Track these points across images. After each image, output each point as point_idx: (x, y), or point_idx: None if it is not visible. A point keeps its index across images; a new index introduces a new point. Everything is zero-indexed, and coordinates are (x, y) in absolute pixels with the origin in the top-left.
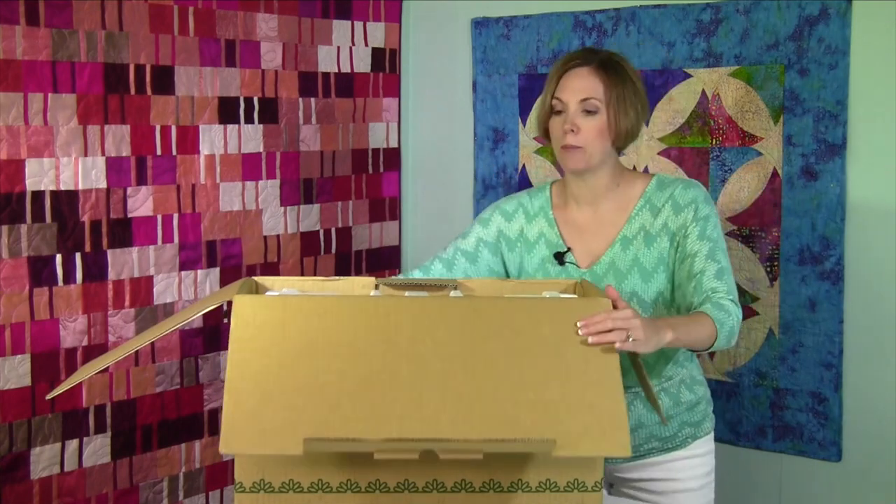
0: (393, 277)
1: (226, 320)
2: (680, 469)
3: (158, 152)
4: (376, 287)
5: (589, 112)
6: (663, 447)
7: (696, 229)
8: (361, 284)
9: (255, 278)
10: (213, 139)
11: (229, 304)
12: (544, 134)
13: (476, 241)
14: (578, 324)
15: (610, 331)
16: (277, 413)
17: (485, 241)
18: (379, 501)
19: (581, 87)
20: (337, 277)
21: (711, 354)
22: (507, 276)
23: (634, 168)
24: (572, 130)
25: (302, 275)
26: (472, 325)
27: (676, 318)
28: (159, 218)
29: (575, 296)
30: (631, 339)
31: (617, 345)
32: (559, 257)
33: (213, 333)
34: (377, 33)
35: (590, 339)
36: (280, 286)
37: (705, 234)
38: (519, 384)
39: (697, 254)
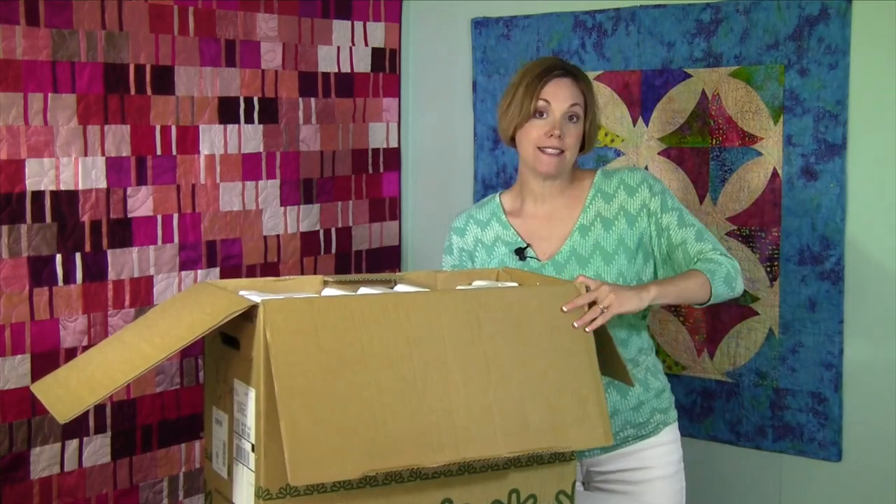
0: (340, 275)
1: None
2: (653, 457)
3: (158, 152)
4: (325, 284)
5: (571, 119)
6: (637, 434)
7: (658, 204)
8: (310, 283)
9: (210, 282)
10: (213, 139)
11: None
12: (511, 137)
13: (450, 268)
14: (564, 308)
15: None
16: (332, 436)
17: (455, 268)
18: (393, 493)
19: (569, 94)
20: (286, 277)
21: (711, 353)
22: None
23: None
24: (559, 136)
25: (301, 274)
26: (478, 319)
27: (663, 279)
28: (159, 218)
29: (506, 283)
30: (606, 307)
31: (598, 319)
32: (520, 253)
33: None
34: (377, 33)
35: (576, 323)
36: (235, 288)
37: (668, 206)
38: (525, 382)
39: (670, 226)
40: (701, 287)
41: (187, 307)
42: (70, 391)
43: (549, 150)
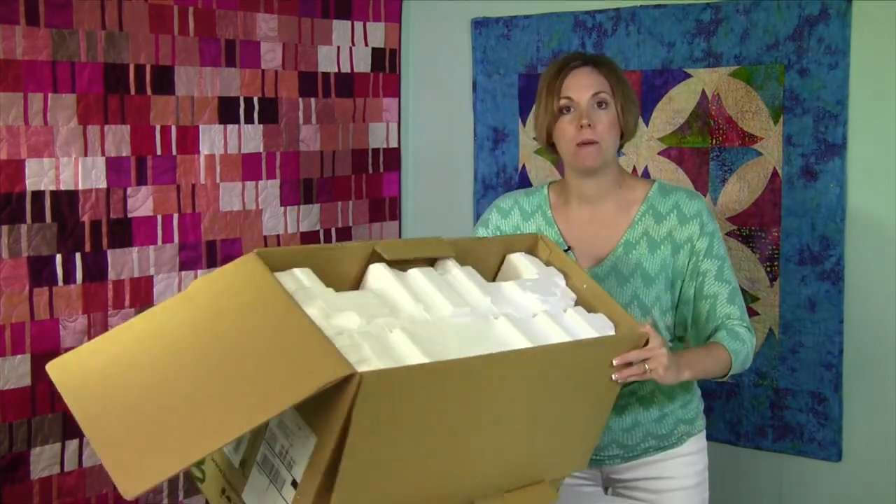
0: (389, 245)
1: None
2: (675, 467)
3: (158, 152)
4: (373, 256)
5: (600, 106)
6: (659, 445)
7: (704, 246)
8: (359, 253)
9: (258, 253)
10: (213, 139)
11: None
12: (547, 141)
13: None
14: (614, 362)
15: (632, 364)
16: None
17: None
18: None
19: (589, 82)
20: (334, 246)
21: None
22: None
23: (634, 170)
24: (589, 125)
25: None
26: (544, 379)
27: (695, 355)
28: (159, 218)
29: (538, 259)
30: (651, 371)
31: (635, 377)
32: None
33: None
34: (377, 33)
35: (614, 376)
36: (284, 262)
37: (713, 252)
38: (545, 432)
39: (707, 273)
40: (722, 370)
41: (268, 339)
42: (139, 458)
43: (585, 144)
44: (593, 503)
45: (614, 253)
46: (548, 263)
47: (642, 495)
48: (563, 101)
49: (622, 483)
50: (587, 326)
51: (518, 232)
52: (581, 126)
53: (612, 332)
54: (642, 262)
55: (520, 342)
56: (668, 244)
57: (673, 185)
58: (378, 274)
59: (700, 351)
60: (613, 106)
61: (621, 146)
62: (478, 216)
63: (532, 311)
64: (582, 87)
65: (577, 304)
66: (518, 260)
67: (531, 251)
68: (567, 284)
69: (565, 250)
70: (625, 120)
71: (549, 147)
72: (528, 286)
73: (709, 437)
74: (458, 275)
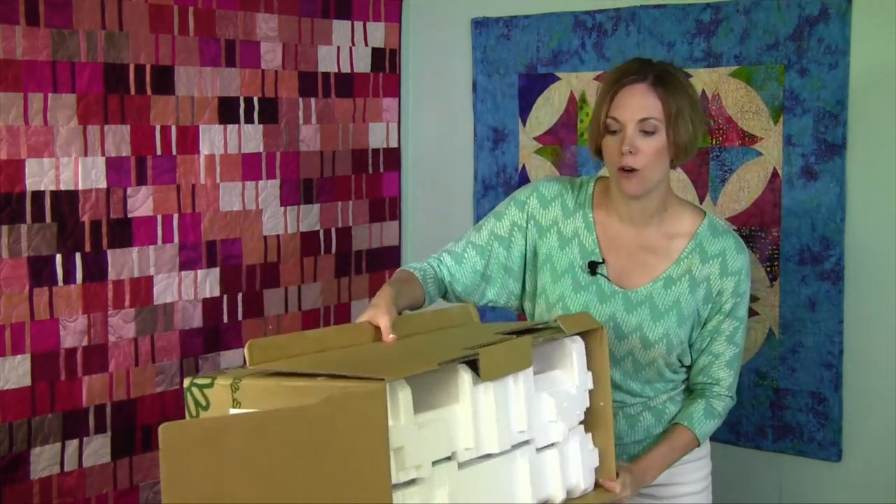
0: (489, 361)
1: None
2: (684, 473)
3: (158, 152)
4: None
5: (647, 133)
6: None
7: (731, 305)
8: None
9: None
10: (213, 139)
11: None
12: (597, 152)
13: (511, 226)
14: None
15: None
16: None
17: (518, 226)
18: None
19: (639, 105)
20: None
21: None
22: (533, 260)
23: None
24: (630, 152)
25: (301, 274)
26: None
27: (657, 458)
28: (159, 218)
29: (585, 353)
30: None
31: None
32: (592, 266)
33: (213, 333)
34: (377, 33)
35: None
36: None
37: (737, 314)
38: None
39: (723, 333)
40: (688, 451)
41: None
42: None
43: (626, 169)
44: None
45: (654, 284)
46: (588, 366)
47: (651, 501)
48: (609, 121)
49: None
50: (579, 465)
51: (553, 227)
52: (623, 152)
53: (596, 465)
54: (680, 300)
55: (522, 494)
56: (704, 287)
57: (722, 226)
58: (464, 388)
59: (662, 450)
60: (663, 131)
61: (681, 163)
62: (478, 216)
63: (551, 438)
64: (630, 108)
65: (584, 416)
66: (572, 352)
67: (586, 335)
68: (589, 392)
69: (599, 263)
70: (676, 144)
71: (598, 156)
72: (564, 406)
73: (709, 438)
74: (519, 390)
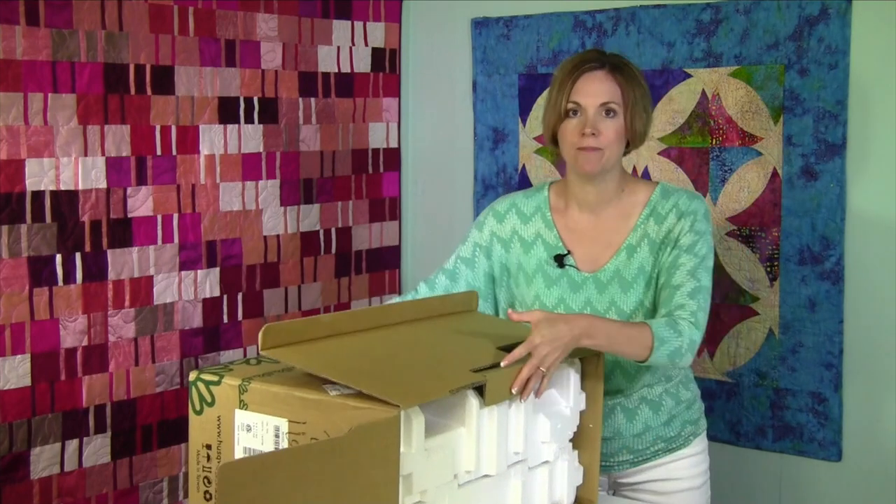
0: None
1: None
2: (681, 468)
3: (158, 152)
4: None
5: (608, 114)
6: (668, 448)
7: (688, 242)
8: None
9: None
10: (213, 139)
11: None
12: (552, 138)
13: (473, 247)
14: (513, 389)
15: (528, 379)
16: None
17: (480, 246)
18: None
19: (599, 90)
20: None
21: (711, 353)
22: (505, 276)
23: (634, 170)
24: (593, 133)
25: (301, 274)
26: None
27: (607, 326)
28: (159, 218)
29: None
30: (544, 366)
31: (543, 381)
32: (559, 259)
33: (213, 333)
34: (377, 33)
35: (521, 399)
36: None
37: (694, 250)
38: None
39: (681, 267)
40: (640, 350)
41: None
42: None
43: (587, 149)
44: None
45: (617, 257)
46: (582, 386)
47: (650, 497)
48: (570, 105)
49: (629, 486)
50: (565, 482)
51: (514, 236)
52: (584, 133)
53: (579, 483)
54: (644, 265)
55: None
56: (664, 243)
57: (675, 188)
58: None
59: (615, 324)
60: (622, 115)
61: (627, 152)
62: (478, 216)
63: (543, 457)
64: (592, 93)
65: (574, 433)
66: (570, 374)
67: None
68: (581, 413)
69: (565, 255)
70: (633, 129)
71: (553, 144)
72: (557, 427)
73: (709, 437)
74: (519, 413)
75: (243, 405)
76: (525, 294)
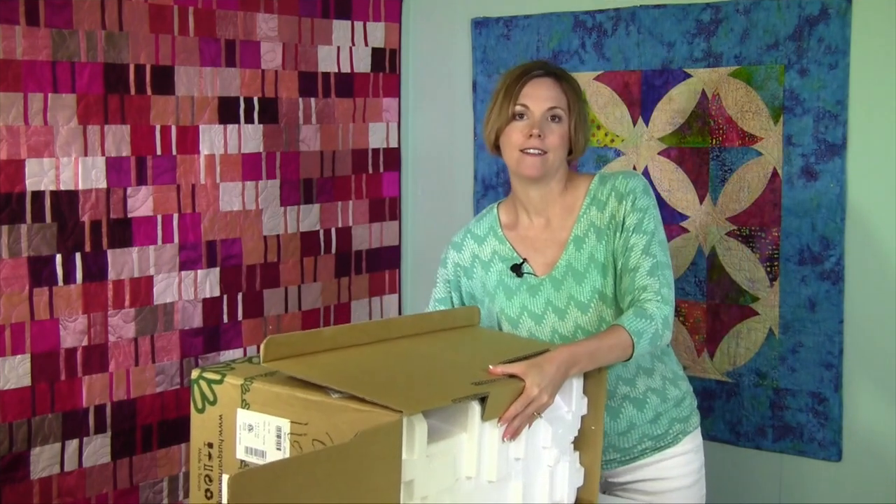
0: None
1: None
2: (673, 467)
3: (158, 152)
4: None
5: (553, 119)
6: (655, 446)
7: (635, 221)
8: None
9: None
10: (213, 139)
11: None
12: (494, 144)
13: (444, 285)
14: (499, 423)
15: (519, 419)
16: None
17: (449, 281)
18: None
19: (547, 95)
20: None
21: (711, 353)
22: (475, 303)
23: (634, 169)
24: (539, 136)
25: (301, 274)
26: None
27: (585, 347)
28: (159, 218)
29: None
30: (536, 411)
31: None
32: (516, 269)
33: (212, 333)
34: (377, 33)
35: (506, 437)
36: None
37: (642, 227)
38: None
39: (634, 247)
40: (623, 352)
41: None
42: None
43: (531, 151)
44: None
45: (566, 251)
46: (585, 390)
47: (641, 497)
48: (518, 108)
49: (620, 486)
50: (566, 483)
51: (475, 260)
52: (531, 135)
53: (580, 484)
54: (594, 253)
55: None
56: (610, 228)
57: (612, 172)
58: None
59: (593, 341)
60: (566, 121)
61: (570, 161)
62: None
63: (544, 462)
64: (540, 97)
65: (575, 436)
66: (573, 380)
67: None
68: (582, 418)
69: (520, 263)
70: (576, 137)
71: (495, 150)
72: (559, 433)
73: (709, 437)
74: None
75: (245, 405)
76: (491, 310)
